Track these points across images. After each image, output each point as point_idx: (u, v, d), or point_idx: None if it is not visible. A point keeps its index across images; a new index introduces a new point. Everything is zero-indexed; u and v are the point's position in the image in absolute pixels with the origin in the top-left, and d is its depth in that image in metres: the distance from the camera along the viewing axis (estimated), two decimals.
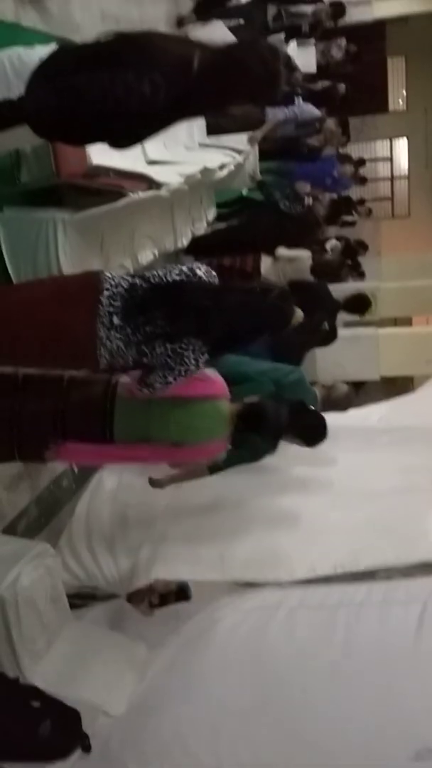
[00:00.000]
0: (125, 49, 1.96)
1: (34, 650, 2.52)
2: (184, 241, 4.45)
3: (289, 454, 3.07)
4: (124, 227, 3.57)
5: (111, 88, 1.89)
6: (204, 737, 2.33)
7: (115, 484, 3.54)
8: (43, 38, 3.55)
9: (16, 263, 3.14)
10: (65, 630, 2.72)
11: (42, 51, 2.08)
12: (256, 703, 2.37)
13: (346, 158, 9.12)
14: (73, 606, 2.94)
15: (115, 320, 2.14)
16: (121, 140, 2.12)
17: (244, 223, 5.55)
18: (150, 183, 3.62)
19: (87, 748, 2.27)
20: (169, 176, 3.86)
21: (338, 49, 7.18)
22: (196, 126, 4.85)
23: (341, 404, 3.75)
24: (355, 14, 8.25)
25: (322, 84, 6.09)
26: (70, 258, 3.09)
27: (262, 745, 2.29)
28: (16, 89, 2.01)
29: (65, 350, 2.19)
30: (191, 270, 2.23)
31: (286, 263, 5.38)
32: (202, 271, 2.23)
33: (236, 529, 3.13)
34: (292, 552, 3.00)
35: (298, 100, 5.73)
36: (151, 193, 3.57)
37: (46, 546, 2.79)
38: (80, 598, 3.17)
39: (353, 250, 7.52)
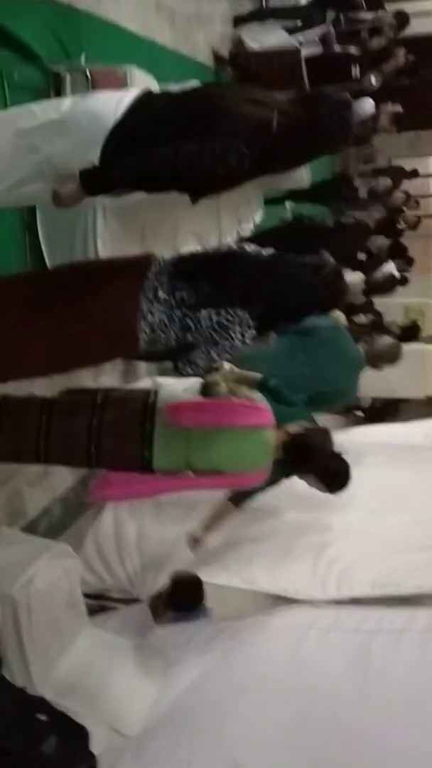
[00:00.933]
0: (208, 116, 1.99)
1: (45, 658, 2.35)
2: (230, 241, 4.31)
3: None
4: (167, 219, 3.42)
5: (198, 159, 1.94)
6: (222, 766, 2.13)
7: None
8: (94, 23, 3.48)
9: (52, 250, 3.03)
10: (81, 638, 2.54)
11: (115, 104, 2.07)
12: (281, 732, 2.17)
13: (399, 172, 8.93)
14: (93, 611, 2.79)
15: (160, 293, 2.08)
16: (202, 196, 2.15)
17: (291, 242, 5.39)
18: None
19: None
20: None
21: (396, 57, 7.04)
22: None
23: (388, 356, 3.58)
24: (413, 26, 8.00)
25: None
26: (108, 246, 2.95)
27: None
28: (94, 149, 2.04)
29: (104, 321, 2.09)
30: (241, 247, 2.22)
31: None
32: (251, 248, 2.20)
33: (268, 538, 2.98)
34: (327, 567, 2.82)
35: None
36: None
37: (66, 547, 2.63)
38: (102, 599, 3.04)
39: (400, 249, 7.36)
